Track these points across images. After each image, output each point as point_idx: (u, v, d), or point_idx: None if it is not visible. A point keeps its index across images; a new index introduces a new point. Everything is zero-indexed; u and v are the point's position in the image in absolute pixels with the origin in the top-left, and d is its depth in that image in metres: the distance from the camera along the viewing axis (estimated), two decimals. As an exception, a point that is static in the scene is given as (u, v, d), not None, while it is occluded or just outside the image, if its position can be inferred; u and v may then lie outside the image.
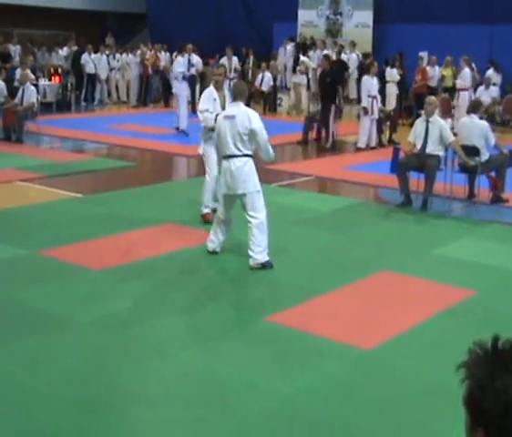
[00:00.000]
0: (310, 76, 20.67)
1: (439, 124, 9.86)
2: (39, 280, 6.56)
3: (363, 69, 20.32)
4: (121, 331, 5.51)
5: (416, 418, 4.38)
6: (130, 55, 22.98)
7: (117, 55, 23.13)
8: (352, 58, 21.41)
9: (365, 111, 14.88)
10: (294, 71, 21.79)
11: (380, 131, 15.46)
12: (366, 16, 22.79)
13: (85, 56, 21.96)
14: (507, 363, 1.52)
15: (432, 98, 10.62)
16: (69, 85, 21.16)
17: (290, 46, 23.11)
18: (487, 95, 17.96)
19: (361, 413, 4.41)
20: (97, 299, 6.13)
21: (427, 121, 9.84)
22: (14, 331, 5.45)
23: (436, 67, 19.01)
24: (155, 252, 7.48)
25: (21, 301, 6.03)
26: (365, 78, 15.13)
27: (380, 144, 15.28)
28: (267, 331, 5.58)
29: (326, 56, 17.00)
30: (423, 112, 10.26)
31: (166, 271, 6.95)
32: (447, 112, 17.52)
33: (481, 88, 18.31)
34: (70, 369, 4.91)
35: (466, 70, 17.95)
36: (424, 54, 18.70)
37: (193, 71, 19.33)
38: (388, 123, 16.05)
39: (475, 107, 10.48)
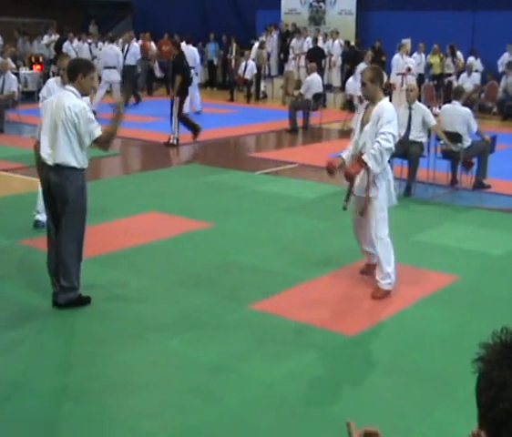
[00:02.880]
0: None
1: (421, 110, 9.89)
2: (20, 270, 6.52)
3: (346, 57, 20.39)
4: (103, 320, 5.49)
5: (399, 404, 4.40)
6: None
7: (100, 44, 22.93)
8: (334, 46, 21.41)
9: (360, 100, 14.75)
10: (285, 59, 21.82)
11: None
12: (350, 4, 22.76)
13: (66, 45, 21.74)
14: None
15: (413, 85, 10.65)
16: (51, 73, 20.97)
17: (275, 34, 23.07)
18: (470, 82, 18.07)
19: (344, 399, 4.42)
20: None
21: (410, 108, 9.86)
22: (-5, 322, 5.42)
23: (423, 55, 19.12)
24: (138, 241, 7.45)
25: (1, 292, 5.98)
26: (361, 66, 15.05)
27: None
28: (251, 319, 5.58)
29: (174, 43, 16.29)
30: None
31: (149, 260, 6.93)
32: (431, 99, 17.59)
33: (463, 75, 18.42)
34: (52, 357, 4.89)
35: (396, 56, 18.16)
36: (406, 41, 18.75)
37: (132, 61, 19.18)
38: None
39: (457, 94, 10.51)
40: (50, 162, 5.48)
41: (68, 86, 5.60)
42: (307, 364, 4.89)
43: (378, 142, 5.80)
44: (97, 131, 5.48)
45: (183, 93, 13.81)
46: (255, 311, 5.72)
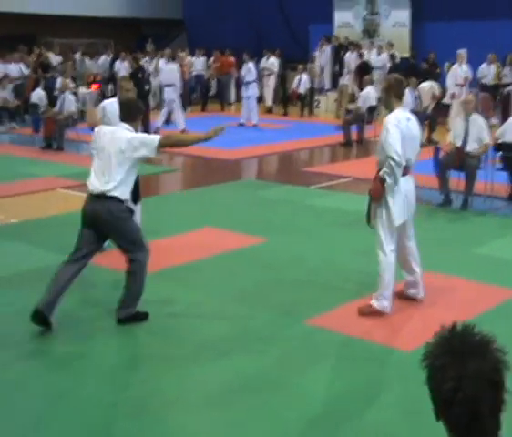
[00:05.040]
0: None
1: (478, 123, 9.71)
2: (79, 287, 6.64)
3: (391, 71, 20.06)
4: (160, 335, 5.55)
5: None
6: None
7: (154, 61, 23.25)
8: (382, 58, 21.19)
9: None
10: (339, 73, 21.77)
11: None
12: (403, 15, 22.57)
13: (117, 64, 22.12)
14: (454, 346, 1.64)
15: (470, 97, 10.47)
16: (109, 92, 21.41)
17: (328, 48, 23.01)
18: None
19: (402, 416, 4.36)
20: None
21: (467, 120, 9.70)
22: (55, 338, 5.53)
23: (492, 66, 18.73)
24: (193, 257, 7.52)
25: (62, 308, 6.11)
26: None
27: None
28: (307, 334, 5.57)
29: (134, 57, 16.19)
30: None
31: (204, 275, 6.98)
32: (487, 110, 17.24)
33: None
34: (110, 372, 4.97)
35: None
36: (462, 51, 18.43)
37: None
38: (426, 122, 15.83)
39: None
40: (97, 191, 5.57)
41: (123, 124, 5.66)
42: (364, 380, 4.84)
43: (387, 159, 5.80)
44: (156, 138, 5.60)
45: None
46: (311, 326, 5.70)
